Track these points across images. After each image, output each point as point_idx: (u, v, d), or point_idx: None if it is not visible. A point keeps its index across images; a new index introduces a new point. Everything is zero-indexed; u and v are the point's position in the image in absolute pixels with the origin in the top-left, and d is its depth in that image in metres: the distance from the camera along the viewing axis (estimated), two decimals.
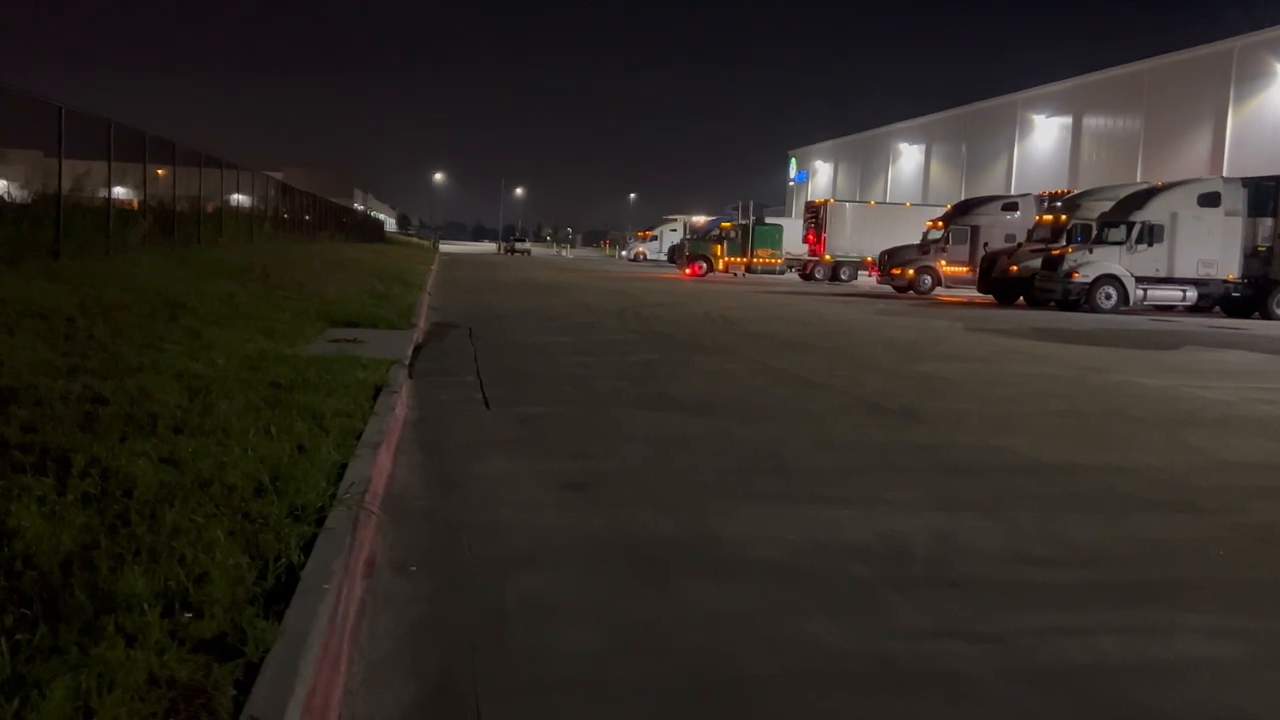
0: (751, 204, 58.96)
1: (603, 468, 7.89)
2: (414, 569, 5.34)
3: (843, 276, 53.24)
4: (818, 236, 53.56)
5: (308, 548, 4.79)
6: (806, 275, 54.35)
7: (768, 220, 61.16)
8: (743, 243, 55.74)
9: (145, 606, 3.72)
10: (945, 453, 8.99)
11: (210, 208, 28.00)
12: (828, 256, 53.17)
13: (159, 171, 24.51)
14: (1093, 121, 64.05)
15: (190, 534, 4.60)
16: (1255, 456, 9.37)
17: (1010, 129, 71.02)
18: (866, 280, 51.60)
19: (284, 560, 4.54)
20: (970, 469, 8.32)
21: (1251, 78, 52.98)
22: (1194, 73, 56.52)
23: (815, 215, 54.72)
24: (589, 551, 5.75)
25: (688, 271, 54.95)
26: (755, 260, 55.68)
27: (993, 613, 5.02)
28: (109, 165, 19.62)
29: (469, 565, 5.45)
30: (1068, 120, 65.97)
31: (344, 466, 6.47)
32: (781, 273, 56.55)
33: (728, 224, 59.17)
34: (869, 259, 50.25)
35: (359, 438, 7.47)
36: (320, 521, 5.20)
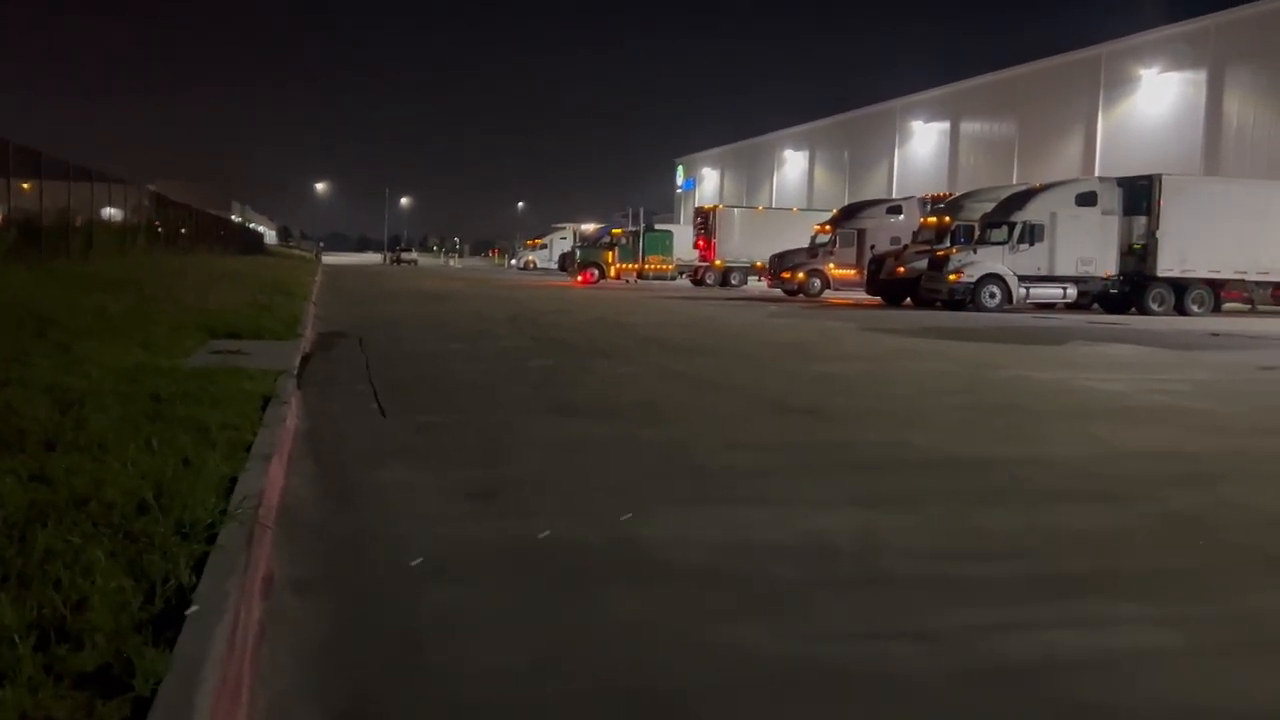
0: (641, 211, 58.97)
1: (509, 475, 7.57)
2: (315, 587, 4.95)
3: (733, 281, 53.51)
4: (708, 242, 53.76)
5: (198, 567, 4.39)
6: (698, 281, 54.51)
7: (658, 227, 61.25)
8: (634, 249, 55.69)
9: (16, 639, 3.31)
10: (855, 450, 8.87)
11: (79, 220, 26.83)
12: (718, 262, 53.38)
13: (24, 186, 23.42)
14: (970, 126, 65.70)
15: (65, 556, 4.17)
16: (1158, 445, 9.45)
17: (890, 134, 72.50)
18: (757, 285, 51.94)
19: (173, 582, 4.14)
20: (882, 465, 8.20)
21: (1119, 83, 54.92)
22: (1065, 79, 58.39)
23: (705, 221, 54.92)
24: (502, 562, 5.42)
25: (579, 279, 54.66)
26: (647, 267, 55.66)
27: (925, 611, 4.83)
28: None
29: (374, 581, 5.09)
30: (945, 125, 67.58)
31: (234, 480, 6.03)
32: (673, 278, 56.66)
33: (619, 230, 59.07)
34: (759, 263, 50.58)
35: (249, 450, 7.03)
36: (211, 539, 4.80)
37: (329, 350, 16.38)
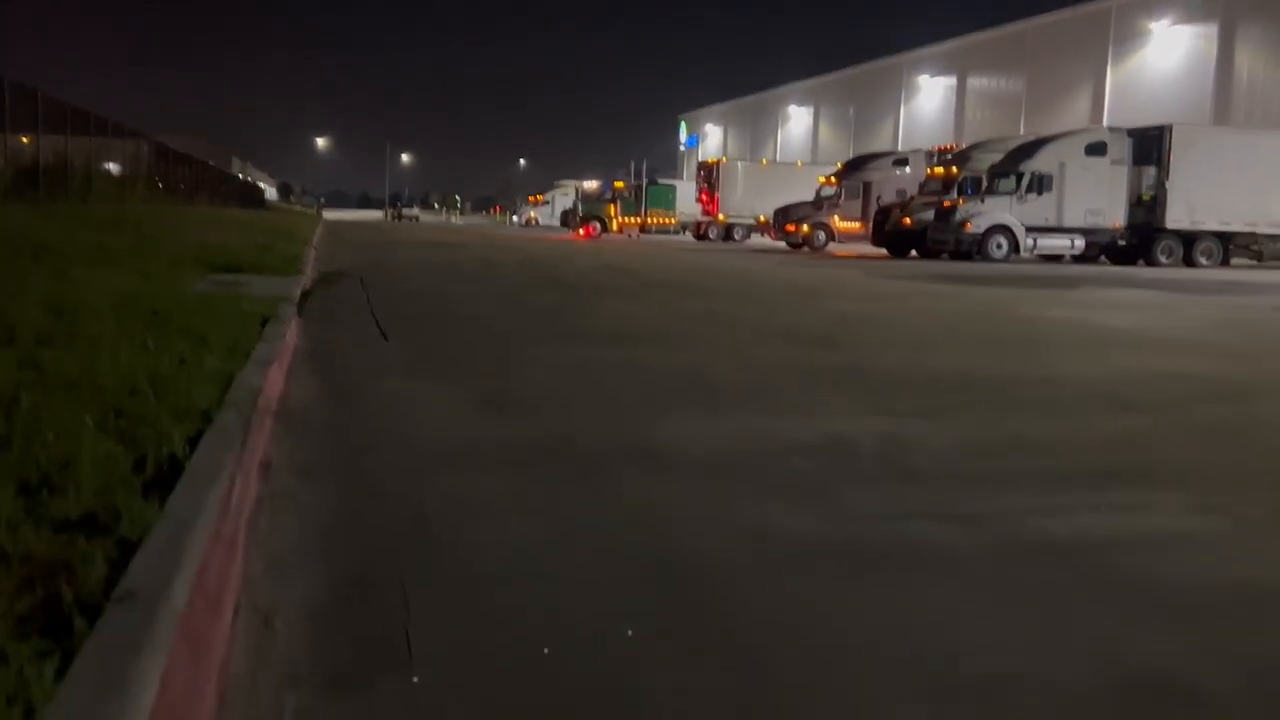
0: (644, 164, 58.36)
1: (516, 388, 7.32)
2: (317, 473, 4.72)
3: (736, 236, 53.04)
4: (711, 196, 53.18)
5: (193, 444, 4.16)
6: (700, 235, 54.04)
7: (661, 181, 60.70)
8: (636, 203, 55.21)
9: None
10: (872, 371, 8.62)
11: (78, 163, 26.48)
12: (721, 216, 52.83)
13: (24, 140, 23.07)
14: (977, 81, 65.01)
15: (51, 423, 3.93)
16: (1179, 368, 9.20)
17: (896, 90, 71.76)
18: (760, 240, 51.50)
19: (165, 451, 3.90)
20: (900, 383, 7.96)
21: (1129, 37, 54.22)
22: (1074, 32, 57.66)
23: (708, 175, 54.30)
24: (513, 455, 5.19)
25: (581, 232, 54.22)
26: (649, 221, 55.20)
27: (958, 498, 4.61)
28: None
29: (380, 469, 4.86)
30: (952, 80, 66.88)
31: (231, 378, 5.79)
32: (676, 233, 56.22)
33: (621, 184, 58.55)
34: (762, 218, 50.07)
35: (248, 356, 6.79)
36: (207, 421, 4.57)
37: (330, 287, 16.10)
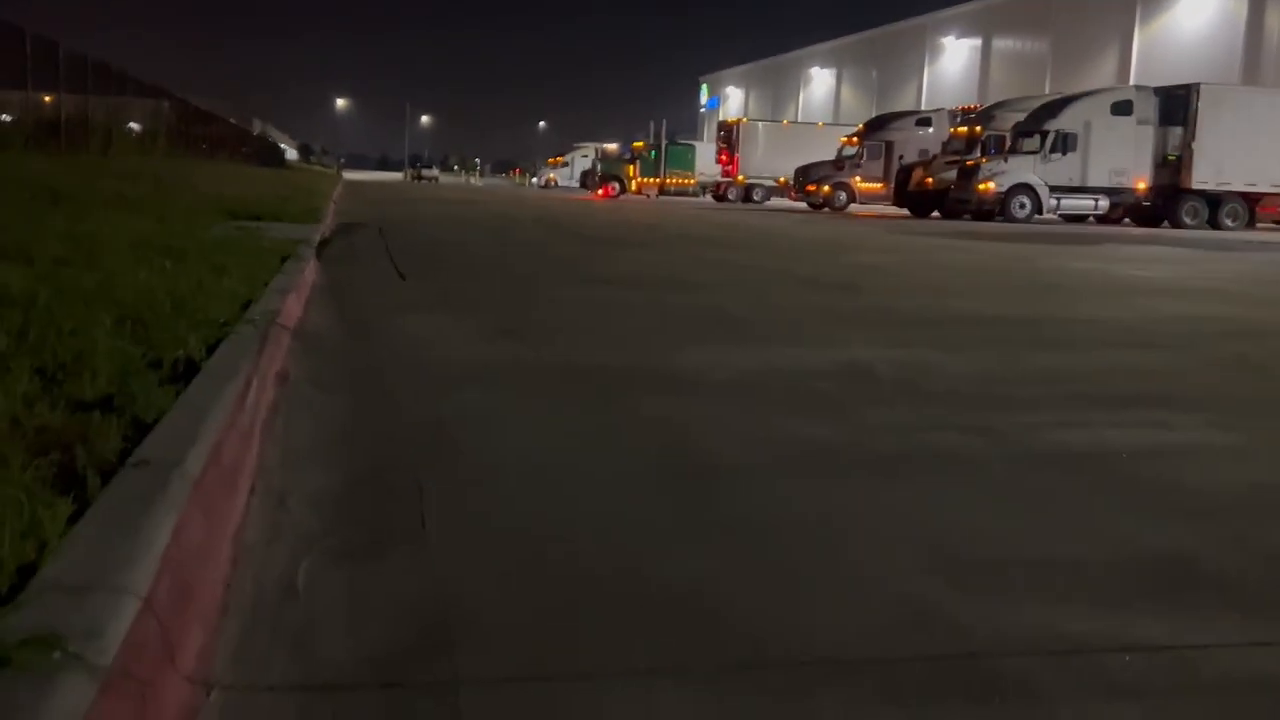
0: (664, 125, 57.86)
1: (536, 321, 7.30)
2: (334, 385, 4.71)
3: (756, 198, 52.52)
4: (730, 157, 52.64)
5: (210, 352, 4.15)
6: (719, 196, 53.60)
7: (680, 141, 60.26)
8: (656, 164, 54.87)
9: (8, 363, 3.07)
10: (893, 312, 8.56)
11: (99, 116, 26.48)
12: (740, 177, 52.31)
13: (45, 99, 23.04)
14: (1002, 43, 64.25)
15: (68, 321, 3.92)
16: (1202, 312, 9.12)
17: (920, 52, 71.03)
18: (780, 202, 51.17)
19: (183, 353, 3.89)
20: (921, 322, 7.90)
21: None
22: None
23: (728, 135, 53.77)
24: (529, 377, 5.17)
25: (600, 192, 53.96)
26: (669, 181, 54.88)
27: (975, 415, 4.56)
28: None
29: (396, 384, 4.85)
30: (977, 42, 66.10)
31: (249, 302, 5.79)
32: (695, 194, 55.88)
33: (640, 144, 58.19)
34: (782, 179, 49.68)
35: (266, 285, 6.79)
36: (224, 332, 4.56)
37: (349, 236, 16.07)
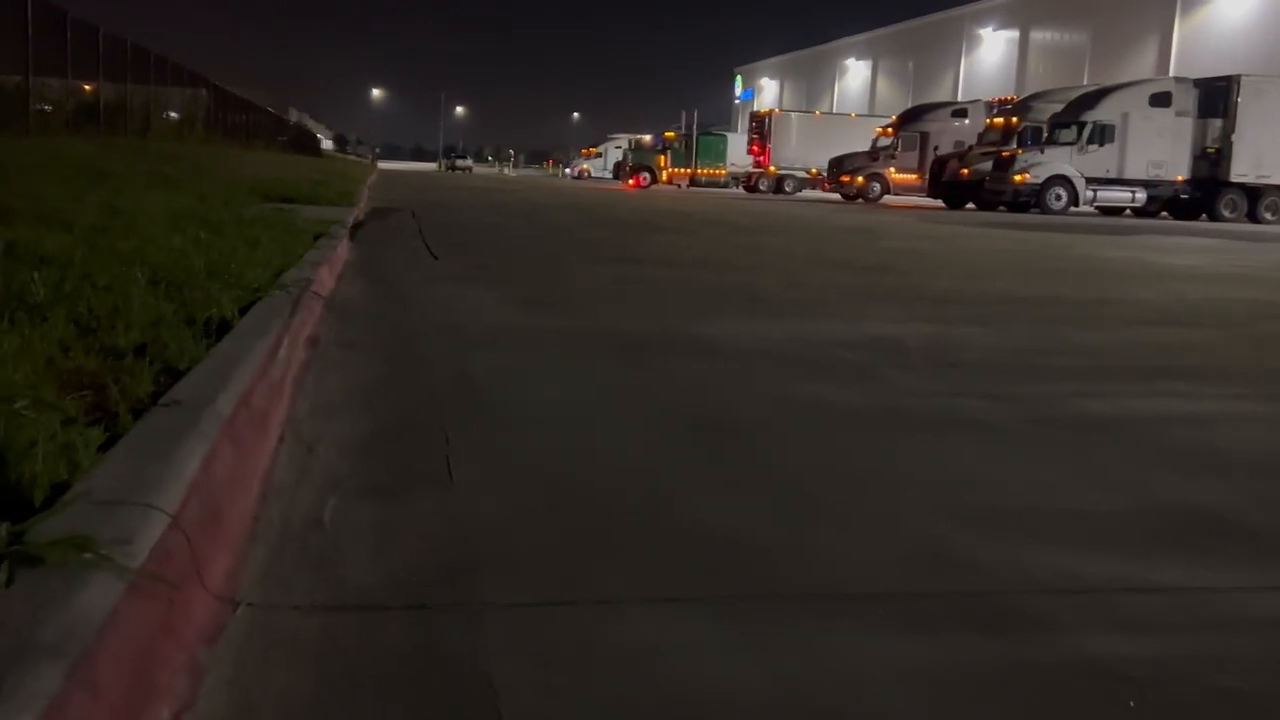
0: (695, 114, 57.57)
1: (565, 293, 7.34)
2: (363, 347, 4.76)
3: (787, 189, 52.09)
4: (762, 147, 52.28)
5: (243, 313, 4.20)
6: (751, 187, 53.24)
7: (713, 131, 60.01)
8: (687, 154, 54.69)
9: (45, 312, 3.13)
10: (923, 291, 8.53)
11: (138, 101, 26.74)
12: (772, 168, 51.97)
13: (86, 87, 23.27)
14: (1040, 35, 63.66)
15: (105, 279, 3.99)
16: (1236, 296, 9.04)
17: (957, 43, 70.48)
18: (812, 194, 50.91)
19: (216, 313, 3.95)
20: (952, 301, 7.87)
21: None
22: None
23: (760, 126, 53.45)
24: (557, 341, 5.21)
25: (631, 183, 53.83)
26: (700, 172, 54.72)
27: (1002, 384, 4.56)
28: (29, 43, 18.47)
29: (425, 346, 4.90)
30: (1014, 34, 65.52)
31: (283, 271, 5.85)
32: (725, 185, 55.60)
33: (671, 134, 58.01)
34: (814, 170, 49.44)
35: (300, 258, 6.85)
36: (257, 296, 4.62)
37: (383, 219, 16.19)
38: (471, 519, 2.50)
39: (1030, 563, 2.37)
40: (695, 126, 57.18)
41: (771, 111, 55.38)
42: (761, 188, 51.93)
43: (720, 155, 55.44)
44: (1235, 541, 2.60)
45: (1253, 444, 3.64)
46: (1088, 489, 3.00)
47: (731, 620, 2.01)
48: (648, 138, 75.66)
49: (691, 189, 53.40)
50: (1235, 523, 2.75)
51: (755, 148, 52.98)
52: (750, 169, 53.59)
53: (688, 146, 54.78)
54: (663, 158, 55.04)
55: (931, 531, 2.55)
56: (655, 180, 54.20)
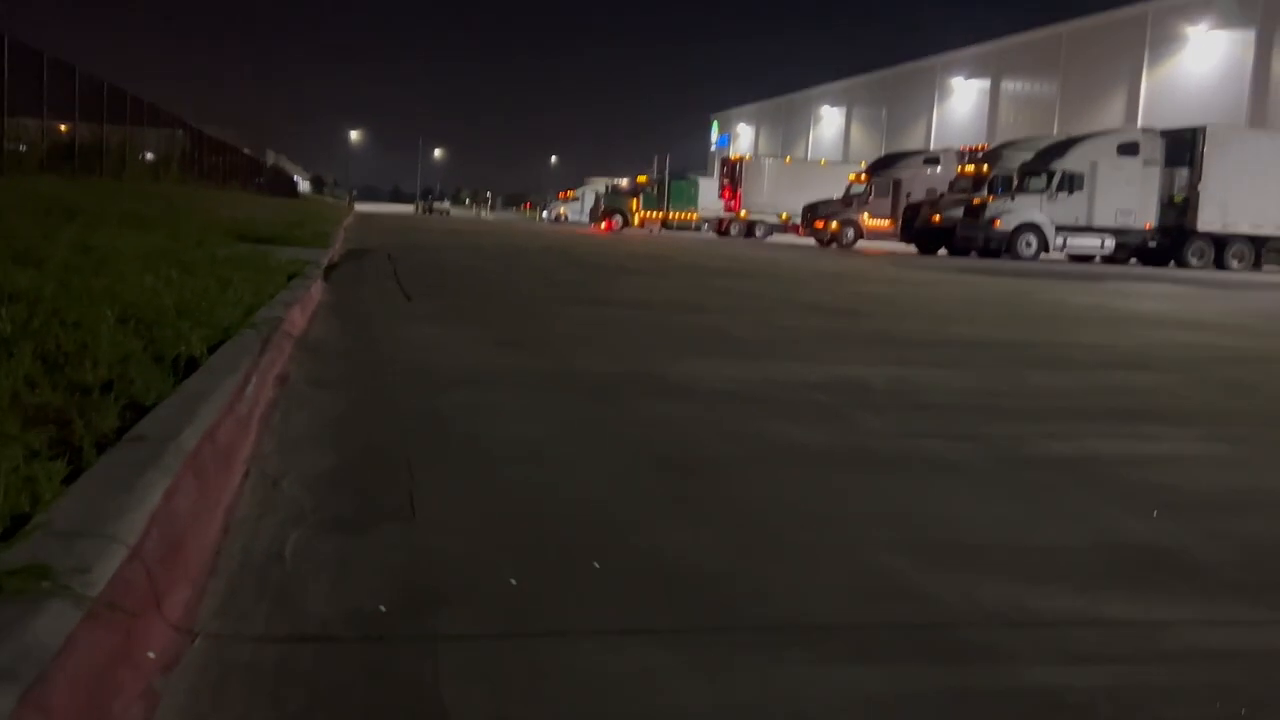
0: (668, 159, 58.02)
1: (537, 334, 7.38)
2: (333, 385, 4.78)
3: (758, 234, 52.33)
4: (733, 193, 52.67)
5: (212, 351, 4.22)
6: (722, 231, 53.49)
7: (685, 177, 60.38)
8: (659, 198, 55.08)
9: (11, 348, 3.15)
10: (891, 335, 8.61)
11: (113, 141, 26.73)
12: (743, 213, 52.31)
13: (62, 127, 23.28)
14: (1011, 84, 64.64)
15: (71, 315, 4.00)
16: (1200, 340, 9.16)
17: (929, 92, 71.43)
18: (782, 239, 51.22)
19: (185, 350, 3.96)
20: (920, 344, 7.95)
21: (1165, 41, 53.77)
22: (1110, 36, 57.23)
23: (732, 171, 53.87)
24: (527, 380, 5.24)
25: (603, 226, 54.08)
26: (671, 216, 55.09)
27: (967, 424, 4.62)
28: (3, 82, 18.47)
29: (393, 383, 4.93)
30: (985, 83, 66.49)
31: (254, 309, 5.87)
32: (698, 229, 55.97)
33: (643, 178, 58.40)
34: (784, 215, 49.95)
35: (272, 298, 6.87)
36: (227, 335, 4.64)
37: (358, 260, 16.22)
38: (433, 552, 2.52)
39: (984, 596, 2.41)
40: (668, 171, 57.62)
41: (742, 157, 55.91)
42: (733, 232, 52.26)
43: (692, 199, 55.87)
44: (1184, 577, 2.65)
45: (1207, 483, 3.70)
46: (1045, 526, 3.05)
47: (687, 650, 2.03)
48: (624, 181, 75.95)
49: (664, 233, 53.65)
50: (1185, 559, 2.80)
51: (727, 192, 53.39)
52: (722, 213, 53.96)
53: (660, 191, 55.16)
54: (635, 201, 55.37)
55: (889, 566, 2.59)
56: (627, 224, 54.47)
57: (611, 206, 55.84)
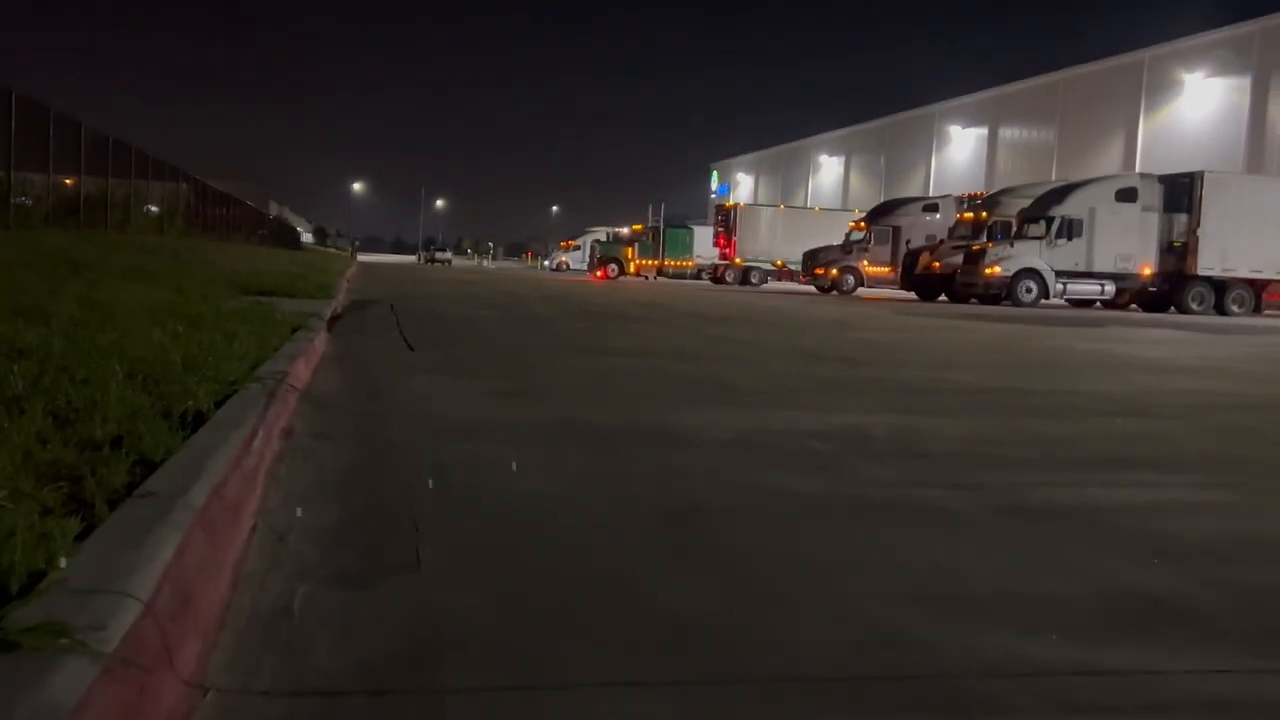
0: (663, 206, 58.47)
1: (539, 385, 7.42)
2: (338, 438, 4.83)
3: (753, 280, 52.38)
4: (728, 240, 52.90)
5: (219, 405, 4.27)
6: (717, 279, 53.59)
7: (682, 225, 60.71)
8: (654, 246, 55.43)
9: (23, 405, 3.20)
10: (891, 382, 8.66)
11: (118, 195, 26.97)
12: (738, 260, 52.51)
13: (67, 181, 23.52)
14: (1008, 132, 65.19)
15: (82, 372, 4.06)
16: (1201, 387, 9.21)
17: (928, 140, 72.03)
18: (781, 285, 51.39)
19: (192, 406, 4.01)
20: (919, 392, 8.00)
21: (1162, 87, 54.29)
22: (1107, 83, 57.79)
23: (726, 218, 54.14)
24: (529, 432, 5.28)
25: (598, 274, 54.33)
26: (667, 263, 55.40)
27: (965, 473, 4.66)
28: (10, 137, 18.68)
29: (397, 436, 4.97)
30: (984, 131, 67.07)
31: (259, 363, 5.93)
32: (694, 276, 56.26)
33: (639, 226, 58.79)
34: (779, 262, 50.30)
35: (276, 350, 6.94)
36: (233, 389, 4.69)
37: (361, 311, 16.31)
38: (437, 606, 2.56)
39: (983, 647, 2.44)
40: (663, 219, 58.00)
41: (737, 205, 56.37)
42: (728, 279, 52.38)
43: (687, 248, 56.22)
44: (1183, 625, 2.68)
45: (1206, 531, 3.73)
46: (1044, 576, 3.08)
47: (687, 702, 2.06)
48: (625, 230, 76.44)
49: (659, 280, 53.86)
50: (1184, 607, 2.83)
51: (721, 240, 53.64)
52: (717, 260, 54.14)
53: (655, 239, 55.52)
54: (630, 249, 55.68)
55: (888, 617, 2.62)
56: (623, 272, 54.73)
57: (607, 255, 56.19)
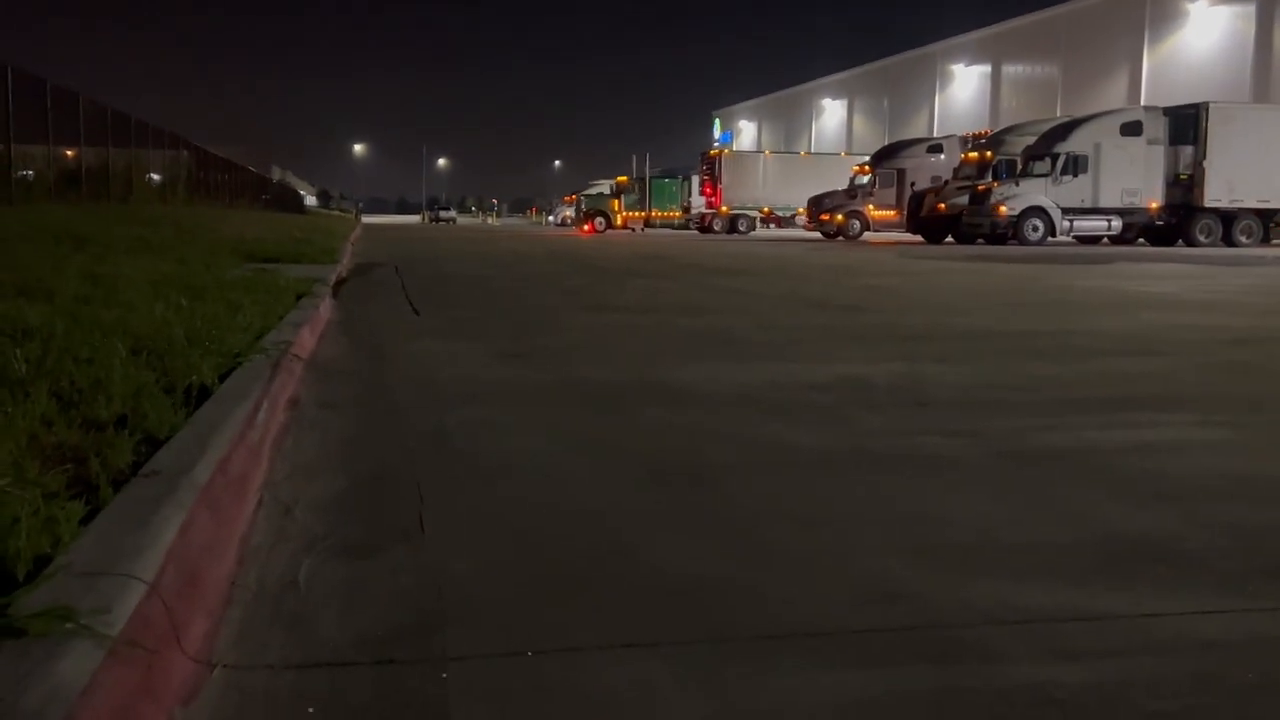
0: (648, 157, 58.20)
1: (544, 344, 7.45)
2: (342, 406, 4.87)
3: (741, 228, 51.99)
4: (714, 188, 52.50)
5: (223, 379, 4.31)
6: (705, 228, 53.08)
7: (669, 176, 60.36)
8: (641, 198, 55.18)
9: (27, 388, 3.24)
10: (895, 329, 8.69)
11: (119, 166, 26.92)
12: (724, 208, 52.06)
13: (68, 153, 23.48)
14: (1012, 69, 64.60)
15: (86, 350, 4.10)
16: (1207, 323, 9.20)
17: (930, 80, 71.44)
18: (765, 232, 51.01)
19: (196, 380, 4.05)
20: (922, 337, 8.01)
21: (1166, 18, 53.69)
22: (1109, 16, 57.14)
23: (711, 166, 53.63)
24: (533, 392, 5.32)
25: (586, 228, 54.04)
26: (654, 215, 55.21)
27: (965, 419, 4.68)
28: (9, 111, 18.64)
29: (403, 402, 5.02)
30: (986, 69, 66.48)
31: (263, 333, 5.97)
32: (680, 227, 55.98)
33: (624, 179, 58.52)
34: (766, 209, 50.10)
35: (280, 319, 6.97)
36: (237, 361, 4.73)
37: (366, 275, 16.33)
38: (441, 573, 2.60)
39: (977, 595, 2.48)
40: (648, 171, 57.66)
41: (721, 151, 55.75)
42: (715, 228, 51.82)
43: (674, 198, 55.96)
44: (1176, 567, 2.72)
45: (1203, 470, 3.76)
46: (1041, 521, 3.11)
47: (685, 661, 2.11)
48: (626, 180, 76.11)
49: (646, 232, 53.52)
50: (1178, 549, 2.86)
51: (707, 189, 53.14)
52: (703, 210, 53.66)
53: (642, 190, 55.24)
54: (616, 202, 55.40)
55: (884, 568, 2.66)
56: (610, 225, 54.42)
57: (593, 208, 55.89)
